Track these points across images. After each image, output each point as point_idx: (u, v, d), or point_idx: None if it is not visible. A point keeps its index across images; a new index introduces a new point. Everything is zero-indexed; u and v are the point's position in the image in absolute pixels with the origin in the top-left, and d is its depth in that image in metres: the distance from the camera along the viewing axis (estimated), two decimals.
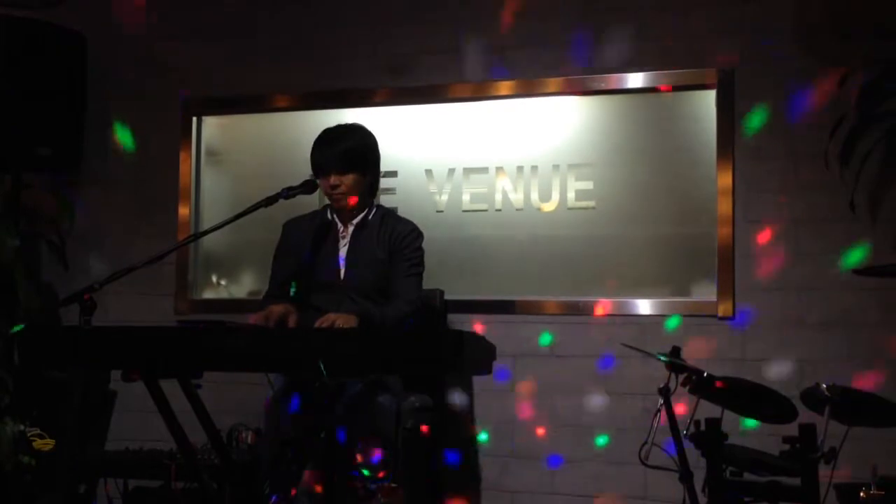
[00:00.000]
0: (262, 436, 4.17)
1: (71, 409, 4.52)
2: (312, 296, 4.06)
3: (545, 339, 4.69)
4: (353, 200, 4.09)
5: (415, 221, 4.23)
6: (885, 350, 4.27)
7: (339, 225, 4.16)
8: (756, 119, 4.48)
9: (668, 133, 4.69)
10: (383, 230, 4.12)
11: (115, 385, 4.55)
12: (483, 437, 4.73)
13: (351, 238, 4.12)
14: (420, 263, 4.14)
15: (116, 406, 4.72)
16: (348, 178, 4.05)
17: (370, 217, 4.15)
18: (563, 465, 4.62)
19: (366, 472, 3.74)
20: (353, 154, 4.06)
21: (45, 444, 4.57)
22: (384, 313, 3.92)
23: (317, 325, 3.71)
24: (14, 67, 4.94)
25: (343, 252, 4.11)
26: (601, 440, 4.57)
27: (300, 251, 4.15)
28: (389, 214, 4.26)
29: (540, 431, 4.66)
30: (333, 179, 4.04)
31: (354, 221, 4.13)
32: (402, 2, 5.04)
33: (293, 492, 3.78)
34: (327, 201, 4.22)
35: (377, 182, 4.26)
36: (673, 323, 4.52)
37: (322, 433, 3.79)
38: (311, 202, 4.49)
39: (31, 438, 4.59)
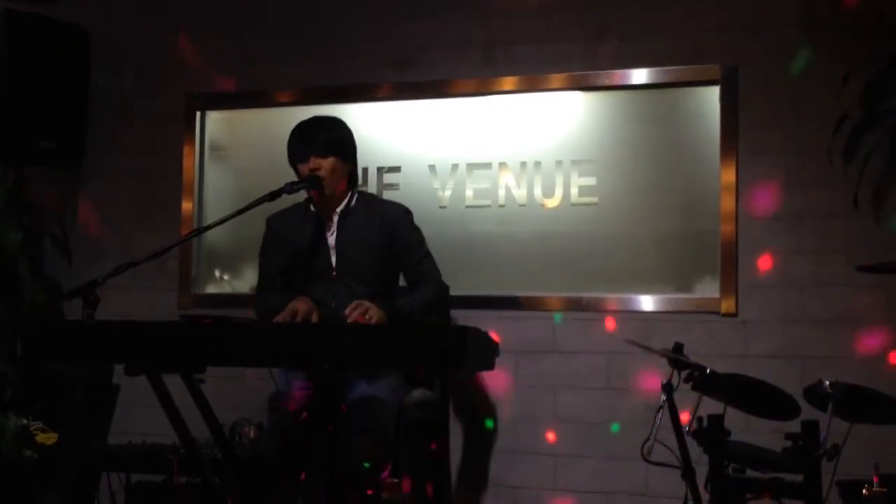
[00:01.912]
0: (264, 431, 4.18)
1: (74, 403, 4.53)
2: (308, 287, 4.05)
3: (548, 334, 4.69)
4: (334, 184, 4.03)
5: (418, 217, 4.20)
6: (889, 347, 4.27)
7: (324, 214, 4.11)
8: None
9: (671, 129, 4.68)
10: (370, 214, 4.09)
11: (118, 379, 4.55)
12: (485, 432, 4.73)
13: (337, 226, 4.09)
14: (424, 241, 4.14)
15: (119, 400, 4.73)
16: (328, 162, 4.00)
17: (353, 203, 4.13)
18: (565, 460, 4.62)
19: (367, 465, 3.73)
20: (330, 139, 4.03)
21: (48, 437, 4.57)
22: (411, 305, 3.92)
23: (348, 310, 3.68)
24: (17, 61, 4.94)
25: (332, 241, 4.08)
26: (603, 436, 4.57)
27: (288, 245, 4.13)
28: (372, 199, 4.27)
29: (542, 427, 4.66)
30: (313, 162, 3.99)
31: (338, 210, 4.10)
32: None
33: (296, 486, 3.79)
34: (305, 195, 4.18)
35: (356, 172, 4.22)
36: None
37: (324, 428, 3.80)
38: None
39: (34, 432, 4.60)
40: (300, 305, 3.84)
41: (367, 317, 3.66)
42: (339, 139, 4.07)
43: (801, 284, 4.41)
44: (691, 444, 3.52)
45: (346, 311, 3.69)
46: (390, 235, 4.07)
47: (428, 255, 4.12)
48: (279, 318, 3.77)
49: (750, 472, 3.58)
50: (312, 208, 4.15)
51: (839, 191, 4.29)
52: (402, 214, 4.14)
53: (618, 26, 4.72)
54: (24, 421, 4.59)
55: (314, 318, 3.84)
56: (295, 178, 4.02)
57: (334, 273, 4.05)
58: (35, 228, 5.15)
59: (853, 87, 4.22)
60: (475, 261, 4.84)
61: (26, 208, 5.10)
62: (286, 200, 4.10)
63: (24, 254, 4.87)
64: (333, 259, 4.07)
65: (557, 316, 4.69)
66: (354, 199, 4.14)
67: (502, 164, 4.85)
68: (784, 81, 4.48)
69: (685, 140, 4.66)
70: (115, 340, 3.11)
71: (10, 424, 4.52)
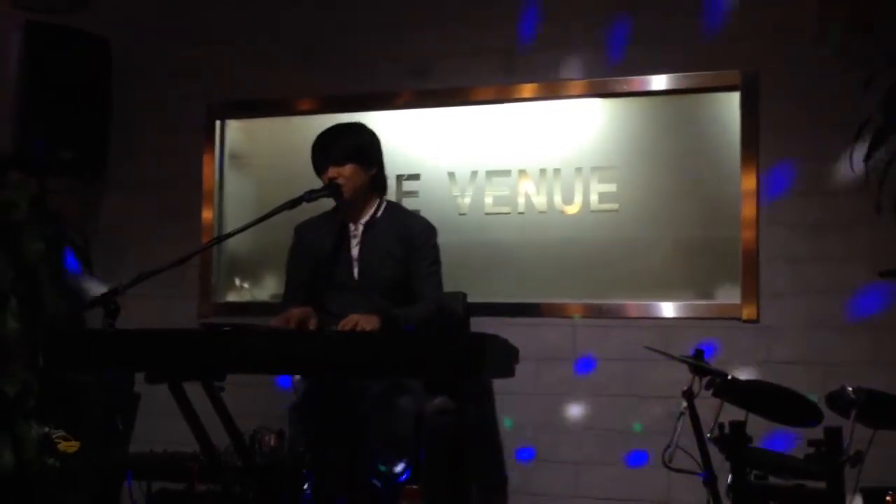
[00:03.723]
0: (286, 440, 4.18)
1: (95, 411, 4.54)
2: (328, 298, 4.05)
3: (569, 341, 4.68)
4: (352, 191, 4.03)
5: (437, 224, 4.19)
6: None
7: (350, 224, 4.13)
8: None
9: (691, 135, 4.67)
10: (395, 226, 4.08)
11: (138, 388, 4.56)
12: (506, 440, 4.72)
13: (361, 237, 4.08)
14: (437, 260, 4.11)
15: (140, 408, 4.74)
16: (346, 170, 3.99)
17: (379, 214, 4.12)
18: (586, 468, 4.60)
19: (382, 468, 3.73)
20: (347, 146, 4.03)
21: (69, 446, 4.59)
22: (408, 314, 3.91)
23: (340, 326, 3.71)
24: (39, 72, 4.97)
25: (355, 252, 4.07)
26: (625, 443, 4.56)
27: (313, 254, 4.12)
28: (399, 210, 4.24)
29: (563, 434, 4.65)
30: (331, 172, 4.00)
31: (363, 220, 4.10)
32: (425, 4, 5.05)
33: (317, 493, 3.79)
34: (334, 202, 4.18)
35: (382, 177, 4.19)
36: None
37: (344, 437, 3.80)
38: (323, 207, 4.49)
39: (56, 441, 4.61)
40: (296, 312, 3.84)
41: (357, 329, 3.67)
42: (357, 146, 4.06)
43: (822, 290, 4.38)
44: (713, 450, 3.50)
45: (338, 327, 3.70)
46: (409, 248, 4.06)
47: (435, 274, 4.09)
48: (273, 322, 3.77)
49: (772, 479, 3.56)
50: (339, 217, 4.14)
51: (861, 197, 4.26)
52: (425, 230, 4.12)
53: (637, 32, 4.71)
54: (46, 429, 4.61)
55: (311, 324, 3.84)
56: (314, 187, 4.02)
57: (355, 284, 4.04)
58: (56, 238, 5.17)
59: (874, 91, 4.19)
60: (495, 268, 4.84)
61: (48, 218, 5.12)
62: (315, 209, 4.11)
63: (46, 263, 4.89)
64: (356, 271, 4.06)
65: (578, 323, 4.67)
66: (381, 209, 4.13)
67: (522, 171, 4.85)
68: (804, 87, 4.46)
69: (705, 146, 4.65)
70: (135, 349, 3.11)
71: (32, 433, 4.54)
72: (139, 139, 5.41)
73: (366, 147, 4.09)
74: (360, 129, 4.16)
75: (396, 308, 3.94)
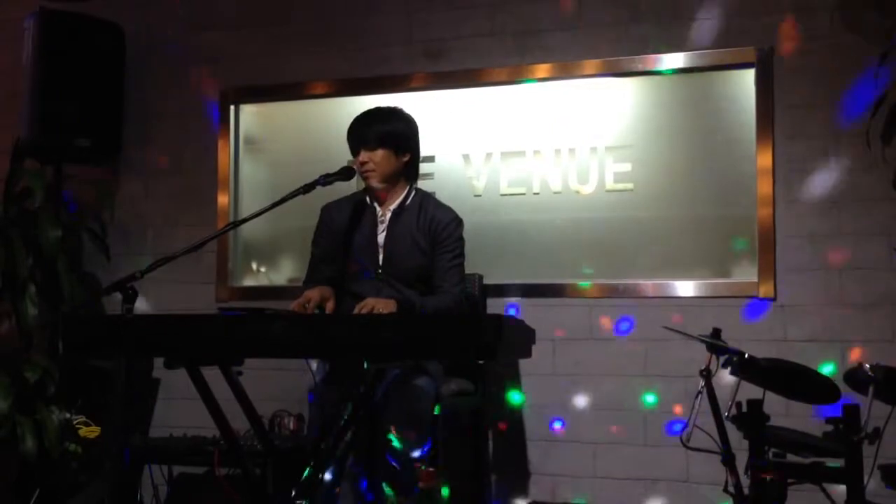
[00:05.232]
0: (306, 422, 4.19)
1: (115, 397, 4.57)
2: (351, 282, 4.06)
3: (585, 321, 4.68)
4: (381, 176, 4.04)
5: (453, 206, 4.18)
6: None
7: (378, 209, 4.15)
8: None
9: (706, 113, 4.65)
10: (422, 216, 4.08)
11: (157, 373, 4.59)
12: (524, 421, 4.74)
13: (389, 223, 4.08)
14: (461, 254, 4.09)
15: (160, 393, 4.77)
16: (376, 155, 4.01)
17: (408, 201, 4.11)
18: (603, 447, 4.61)
19: (400, 449, 3.74)
20: (381, 131, 4.03)
21: (90, 431, 4.62)
22: (425, 303, 3.91)
23: (356, 310, 3.71)
24: (53, 60, 4.98)
25: (381, 238, 4.07)
26: (642, 423, 4.56)
27: (339, 235, 4.13)
28: (428, 199, 4.20)
29: (581, 415, 4.66)
30: (362, 156, 4.01)
31: (392, 207, 4.11)
32: None
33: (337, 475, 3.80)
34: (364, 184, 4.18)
35: (416, 166, 4.20)
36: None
37: (363, 418, 3.81)
38: (349, 189, 4.50)
39: (77, 426, 4.65)
40: (313, 294, 3.84)
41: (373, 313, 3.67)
42: (390, 132, 4.05)
43: (839, 267, 4.37)
44: (731, 429, 3.51)
45: (355, 311, 3.71)
46: (434, 240, 4.05)
47: (457, 268, 4.07)
48: (293, 306, 3.78)
49: (790, 457, 3.56)
50: (368, 200, 4.14)
51: (877, 173, 4.25)
52: (450, 221, 4.09)
53: (651, 10, 4.69)
54: (68, 415, 4.65)
55: (329, 306, 3.84)
56: (330, 170, 4.02)
57: (380, 272, 4.04)
58: (73, 225, 5.20)
59: (891, 67, 4.17)
60: (510, 248, 4.84)
61: (64, 205, 5.15)
62: (337, 190, 4.11)
63: (64, 250, 4.92)
64: (381, 257, 4.06)
65: (594, 303, 4.68)
66: (410, 197, 4.13)
67: (536, 152, 4.84)
68: (820, 63, 4.44)
69: (721, 124, 4.63)
70: (153, 334, 3.12)
71: (53, 418, 4.58)
72: (154, 125, 5.42)
73: (399, 133, 4.08)
74: (396, 114, 4.14)
75: (414, 295, 3.94)
